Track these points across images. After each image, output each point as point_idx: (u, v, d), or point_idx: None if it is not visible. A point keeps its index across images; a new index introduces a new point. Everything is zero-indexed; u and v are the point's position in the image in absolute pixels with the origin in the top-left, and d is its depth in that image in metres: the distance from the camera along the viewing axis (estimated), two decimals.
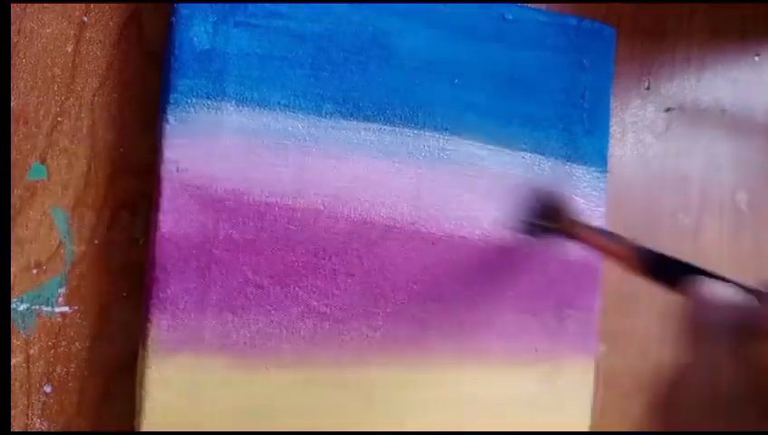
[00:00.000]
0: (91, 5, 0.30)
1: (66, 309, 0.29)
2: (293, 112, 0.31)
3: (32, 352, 0.29)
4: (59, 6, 0.29)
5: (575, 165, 0.36)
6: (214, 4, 0.30)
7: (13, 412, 0.28)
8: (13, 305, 0.28)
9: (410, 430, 0.33)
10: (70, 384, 0.29)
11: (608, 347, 0.40)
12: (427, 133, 0.33)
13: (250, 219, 0.30)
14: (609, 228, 0.37)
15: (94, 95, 0.30)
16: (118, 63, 0.30)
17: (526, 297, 0.35)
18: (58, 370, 0.29)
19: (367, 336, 0.32)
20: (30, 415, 0.29)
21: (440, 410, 0.34)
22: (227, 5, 0.30)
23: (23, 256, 0.29)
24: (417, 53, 0.33)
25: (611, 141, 0.39)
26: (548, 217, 0.35)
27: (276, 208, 0.31)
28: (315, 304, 0.31)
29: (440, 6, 0.34)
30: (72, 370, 0.29)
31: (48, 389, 0.29)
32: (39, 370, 0.29)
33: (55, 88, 0.29)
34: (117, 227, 0.30)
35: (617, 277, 0.39)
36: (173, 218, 0.29)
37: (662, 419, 0.23)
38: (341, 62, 0.32)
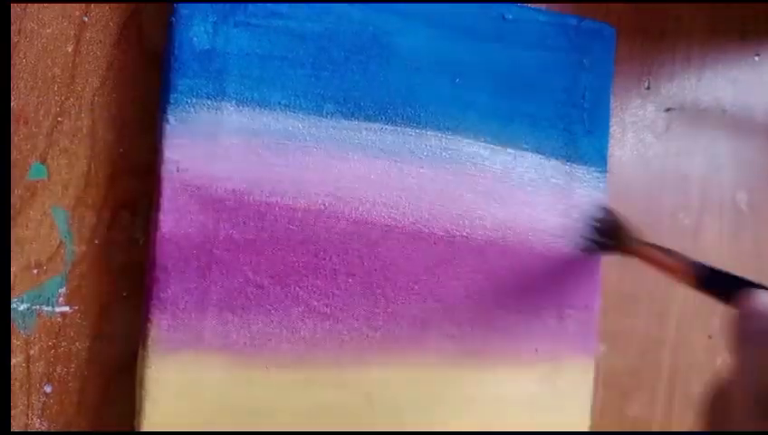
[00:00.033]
0: (91, 5, 0.30)
1: (66, 309, 0.29)
2: (294, 112, 0.31)
3: (32, 352, 0.29)
4: (59, 6, 0.29)
5: (575, 165, 0.36)
6: (214, 4, 0.30)
7: (13, 412, 0.28)
8: (13, 305, 0.28)
9: (410, 429, 0.33)
10: (70, 384, 0.29)
11: (608, 347, 0.40)
12: (428, 133, 0.33)
13: (250, 219, 0.30)
14: None
15: (94, 95, 0.30)
16: (118, 63, 0.30)
17: (526, 297, 0.35)
18: (58, 370, 0.29)
19: (367, 336, 0.32)
20: (30, 415, 0.29)
21: (440, 410, 0.34)
22: (227, 5, 0.30)
23: (23, 256, 0.29)
24: (417, 52, 0.33)
25: (611, 141, 0.39)
26: (607, 235, 0.36)
27: (277, 208, 0.31)
28: (315, 304, 0.31)
29: (441, 6, 0.34)
30: (72, 370, 0.29)
31: (48, 389, 0.29)
32: (39, 370, 0.29)
33: (55, 88, 0.29)
34: (117, 227, 0.30)
35: (617, 277, 0.40)
36: (173, 218, 0.29)
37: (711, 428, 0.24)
38: (342, 61, 0.32)
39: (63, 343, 0.29)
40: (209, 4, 0.29)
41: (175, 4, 0.29)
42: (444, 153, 0.34)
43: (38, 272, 0.29)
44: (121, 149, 0.30)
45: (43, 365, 0.29)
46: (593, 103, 0.37)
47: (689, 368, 0.42)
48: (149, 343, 0.28)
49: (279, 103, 0.31)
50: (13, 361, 0.28)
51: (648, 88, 0.42)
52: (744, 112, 0.44)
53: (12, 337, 0.28)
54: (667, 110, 0.42)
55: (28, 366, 0.29)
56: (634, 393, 0.40)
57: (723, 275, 0.29)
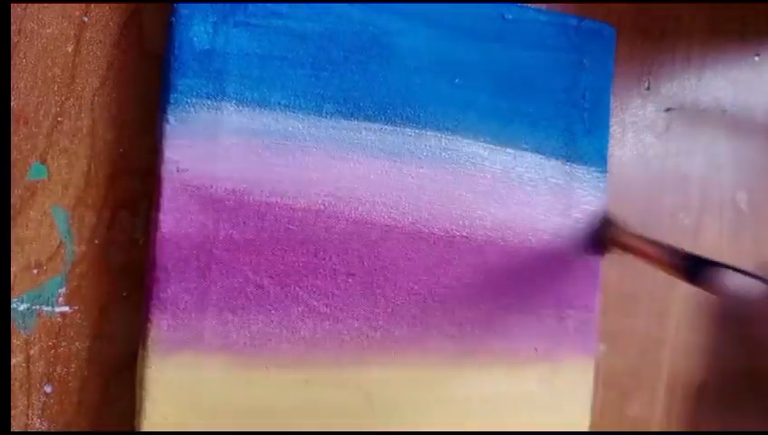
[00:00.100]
0: (91, 5, 0.30)
1: (66, 309, 0.29)
2: (294, 112, 0.31)
3: (32, 352, 0.29)
4: (59, 6, 0.29)
5: (575, 165, 0.36)
6: (214, 4, 0.30)
7: (13, 412, 0.28)
8: (13, 305, 0.28)
9: (410, 429, 0.33)
10: (70, 384, 0.29)
11: (608, 347, 0.40)
12: (428, 133, 0.33)
13: (250, 219, 0.30)
14: None
15: (94, 95, 0.30)
16: (118, 63, 0.30)
17: (526, 297, 0.35)
18: (58, 370, 0.29)
19: (367, 336, 0.32)
20: (30, 415, 0.29)
21: (440, 410, 0.34)
22: (227, 5, 0.30)
23: (23, 256, 0.29)
24: (417, 52, 0.33)
25: (611, 141, 0.39)
26: (598, 232, 0.36)
27: (276, 208, 0.31)
28: (315, 304, 0.31)
29: (441, 6, 0.34)
30: (72, 370, 0.29)
31: (48, 389, 0.29)
32: (39, 370, 0.29)
33: (55, 88, 0.29)
34: (117, 227, 0.30)
35: (617, 277, 0.40)
36: (173, 218, 0.29)
37: (693, 416, 0.24)
38: (342, 61, 0.32)
39: (63, 343, 0.29)
40: (209, 4, 0.29)
41: (175, 4, 0.29)
42: (443, 153, 0.34)
43: (38, 272, 0.29)
44: (121, 149, 0.30)
45: (43, 365, 0.29)
46: (593, 103, 0.37)
47: (689, 368, 0.42)
48: (149, 343, 0.28)
49: (279, 103, 0.31)
50: (13, 361, 0.28)
51: (648, 88, 0.42)
52: (744, 112, 0.44)
53: (12, 337, 0.28)
54: (667, 110, 0.42)
55: (28, 366, 0.29)
56: (634, 393, 0.40)
57: (706, 262, 0.29)
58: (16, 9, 0.28)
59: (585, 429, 0.36)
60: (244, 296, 0.30)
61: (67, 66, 0.29)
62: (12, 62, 0.28)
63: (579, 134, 0.36)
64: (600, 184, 0.37)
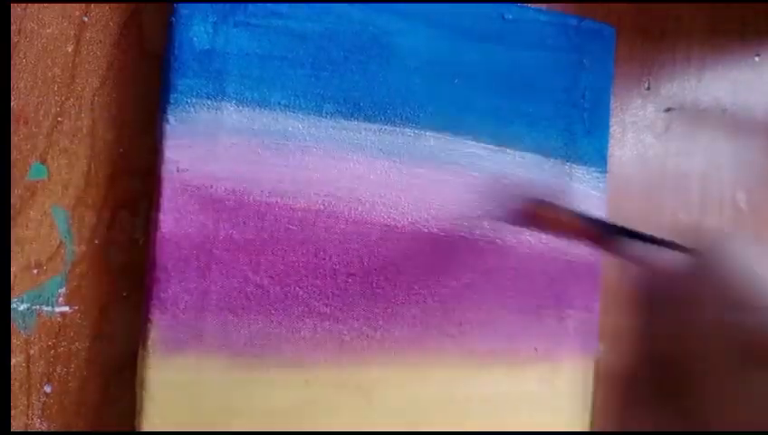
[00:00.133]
0: (91, 5, 0.30)
1: (66, 309, 0.29)
2: (294, 112, 0.31)
3: (32, 352, 0.29)
4: (59, 6, 0.29)
5: (575, 165, 0.36)
6: (214, 4, 0.30)
7: (13, 412, 0.28)
8: (13, 305, 0.28)
9: (410, 429, 0.33)
10: (70, 384, 0.29)
11: (608, 347, 0.40)
12: (427, 133, 0.33)
13: (250, 219, 0.30)
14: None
15: (94, 95, 0.30)
16: (118, 63, 0.30)
17: (526, 297, 0.35)
18: (58, 370, 0.29)
19: (367, 336, 0.32)
20: (30, 415, 0.29)
21: (440, 409, 0.34)
22: (227, 5, 0.30)
23: (23, 256, 0.29)
24: (417, 52, 0.33)
25: (611, 141, 0.39)
26: (514, 203, 0.34)
27: (276, 208, 0.31)
28: (315, 303, 0.31)
29: (441, 6, 0.34)
30: (72, 370, 0.29)
31: (48, 389, 0.29)
32: (39, 370, 0.29)
33: (55, 88, 0.29)
34: (117, 227, 0.30)
35: (617, 277, 0.39)
36: (173, 218, 0.29)
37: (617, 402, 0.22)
38: (342, 61, 0.32)
39: (63, 343, 0.29)
40: (209, 5, 0.29)
41: (175, 4, 0.29)
42: (443, 153, 0.34)
43: (38, 272, 0.29)
44: (121, 149, 0.30)
45: (43, 365, 0.29)
46: (593, 103, 0.37)
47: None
48: (149, 343, 0.28)
49: (279, 103, 0.31)
50: (13, 361, 0.28)
51: (648, 88, 0.42)
52: (744, 112, 0.44)
53: (12, 337, 0.28)
54: (667, 110, 0.42)
55: (28, 366, 0.29)
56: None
57: (623, 230, 0.28)
58: (16, 9, 0.28)
59: (585, 429, 0.36)
60: (244, 296, 0.30)
61: (67, 66, 0.29)
62: (12, 62, 0.28)
63: (579, 134, 0.36)
64: (600, 184, 0.37)
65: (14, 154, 0.28)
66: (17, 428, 0.28)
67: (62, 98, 0.29)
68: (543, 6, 0.37)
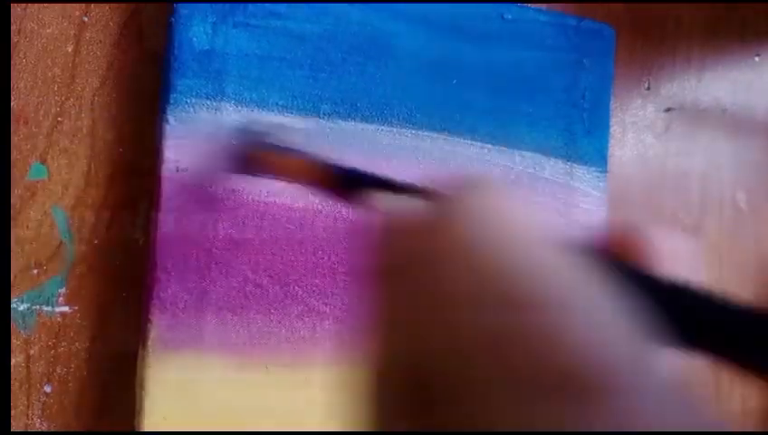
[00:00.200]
0: (91, 5, 0.30)
1: (66, 309, 0.29)
2: (292, 113, 0.31)
3: (32, 352, 0.29)
4: (59, 6, 0.29)
5: (575, 165, 0.36)
6: (213, 5, 0.30)
7: (13, 412, 0.28)
8: (13, 305, 0.28)
9: None
10: (70, 384, 0.29)
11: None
12: (425, 133, 0.33)
13: (249, 219, 0.30)
14: (610, 229, 0.37)
15: (94, 95, 0.30)
16: (118, 63, 0.30)
17: None
18: (58, 370, 0.29)
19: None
20: (30, 415, 0.29)
21: None
22: (227, 6, 0.30)
23: (23, 256, 0.29)
24: (416, 53, 0.33)
25: (611, 141, 0.39)
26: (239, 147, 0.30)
27: (276, 208, 0.31)
28: (314, 303, 0.31)
29: (440, 6, 0.34)
30: (71, 370, 0.29)
31: (48, 389, 0.29)
32: (39, 370, 0.29)
33: (55, 88, 0.29)
34: (117, 227, 0.30)
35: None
36: (173, 218, 0.29)
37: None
38: (340, 62, 0.32)
39: (63, 343, 0.29)
40: (209, 5, 0.29)
41: (175, 5, 0.29)
42: (442, 153, 0.34)
43: (38, 272, 0.29)
44: (121, 149, 0.30)
45: (43, 365, 0.29)
46: (593, 103, 0.37)
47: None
48: (149, 343, 0.28)
49: (277, 104, 0.31)
50: (13, 361, 0.28)
51: (648, 88, 0.42)
52: (744, 112, 0.44)
53: (12, 337, 0.28)
54: (667, 110, 0.42)
55: (28, 366, 0.29)
56: None
57: (363, 177, 0.25)
58: (16, 9, 0.29)
59: None
60: (243, 296, 0.30)
61: (67, 66, 0.29)
62: (12, 62, 0.28)
63: (579, 134, 0.36)
64: (600, 184, 0.37)
65: (14, 154, 0.29)
66: (17, 428, 0.28)
67: (62, 98, 0.29)
68: (543, 6, 0.37)
